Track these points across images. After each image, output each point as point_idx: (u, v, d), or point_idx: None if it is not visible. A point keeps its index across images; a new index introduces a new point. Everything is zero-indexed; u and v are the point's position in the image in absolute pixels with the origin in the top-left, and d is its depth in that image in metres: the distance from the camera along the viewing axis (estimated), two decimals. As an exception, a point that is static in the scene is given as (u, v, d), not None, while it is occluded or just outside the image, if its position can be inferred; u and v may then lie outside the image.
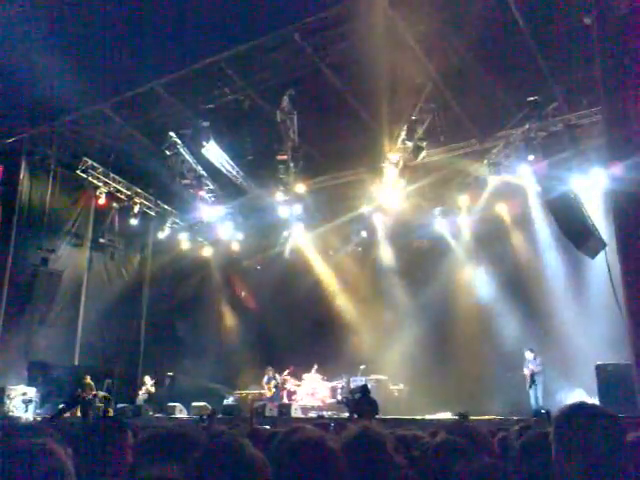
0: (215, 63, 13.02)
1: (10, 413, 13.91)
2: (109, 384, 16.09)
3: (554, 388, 13.02)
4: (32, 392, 15.02)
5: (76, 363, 17.24)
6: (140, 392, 16.58)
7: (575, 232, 11.48)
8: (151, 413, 15.00)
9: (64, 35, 12.98)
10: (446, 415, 12.09)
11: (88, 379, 15.04)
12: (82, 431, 3.16)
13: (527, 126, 12.51)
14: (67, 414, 12.90)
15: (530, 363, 13.42)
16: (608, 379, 10.10)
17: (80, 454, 2.81)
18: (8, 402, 14.54)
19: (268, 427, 7.23)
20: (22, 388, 15.01)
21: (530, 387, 13.32)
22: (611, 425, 2.00)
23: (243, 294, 19.93)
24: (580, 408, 2.07)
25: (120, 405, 15.75)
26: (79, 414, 14.11)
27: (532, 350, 13.43)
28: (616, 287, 9.57)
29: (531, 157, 12.99)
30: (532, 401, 13.27)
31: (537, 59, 11.40)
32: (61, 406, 13.44)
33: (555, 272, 14.41)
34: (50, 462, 1.93)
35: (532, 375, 13.27)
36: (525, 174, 13.71)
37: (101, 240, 18.22)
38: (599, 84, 9.48)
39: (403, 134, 13.35)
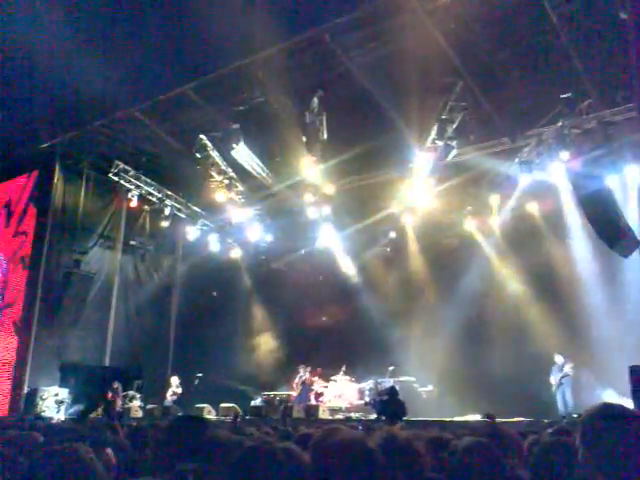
0: (245, 66, 13.14)
1: (42, 413, 14.15)
2: (139, 385, 16.26)
3: (586, 391, 12.82)
4: (64, 393, 15.25)
5: (107, 364, 17.47)
6: (167, 393, 16.70)
7: (608, 231, 11.35)
8: (180, 414, 15.11)
9: (96, 40, 13.17)
10: (475, 417, 11.99)
11: (115, 384, 15.21)
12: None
13: (560, 123, 12.33)
14: (91, 415, 13.10)
15: (558, 368, 13.31)
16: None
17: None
18: (41, 403, 14.81)
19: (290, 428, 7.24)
20: (54, 389, 15.27)
21: (556, 390, 13.25)
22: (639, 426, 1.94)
23: None
24: (607, 410, 2.02)
25: (150, 406, 15.89)
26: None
27: (562, 354, 13.33)
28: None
29: (564, 155, 12.80)
30: (559, 404, 13.13)
31: (570, 55, 11.24)
32: (83, 407, 13.66)
33: (588, 272, 14.19)
34: (79, 467, 1.98)
35: (562, 378, 13.19)
36: (558, 172, 13.51)
37: (132, 242, 18.45)
38: (633, 79, 9.35)
39: (433, 133, 13.25)
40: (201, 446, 2.81)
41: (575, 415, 11.18)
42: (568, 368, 13.13)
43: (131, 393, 15.77)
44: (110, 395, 14.81)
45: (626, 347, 12.06)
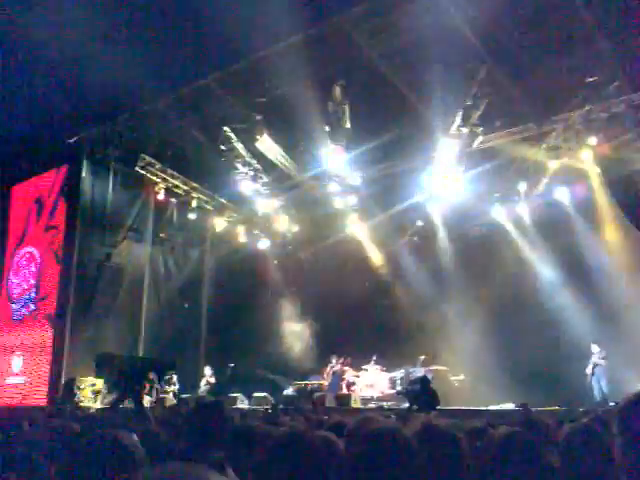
0: (266, 57, 13.11)
1: (80, 403, 14.48)
2: (172, 375, 16.49)
3: (622, 380, 12.59)
4: (100, 383, 15.56)
5: (140, 355, 17.76)
6: (201, 383, 16.91)
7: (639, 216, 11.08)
8: (200, 401, 15.25)
9: (121, 34, 13.29)
10: (509, 406, 11.89)
11: (151, 374, 15.48)
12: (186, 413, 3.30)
13: (587, 108, 12.02)
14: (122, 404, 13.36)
15: (594, 356, 13.22)
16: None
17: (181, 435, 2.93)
18: (78, 393, 15.13)
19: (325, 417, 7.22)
20: (91, 379, 15.57)
21: (591, 379, 13.22)
22: None
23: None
24: None
25: (183, 396, 16.13)
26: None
27: (598, 343, 13.26)
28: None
29: (592, 140, 12.48)
30: (595, 392, 13.03)
31: (596, 37, 10.91)
32: (115, 397, 13.91)
33: (620, 257, 13.91)
34: (122, 451, 2.01)
35: (593, 367, 13.21)
36: (586, 157, 13.22)
37: (161, 235, 18.75)
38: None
39: (458, 120, 13.03)
40: (226, 433, 2.84)
41: (611, 404, 11.01)
42: (598, 357, 13.06)
43: (166, 378, 16.00)
44: (147, 385, 15.10)
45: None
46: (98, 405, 14.71)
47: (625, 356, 12.76)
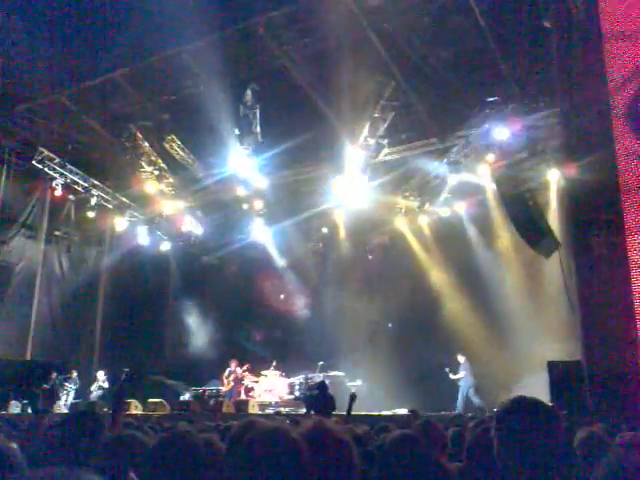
0: (177, 54, 12.89)
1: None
2: (58, 379, 15.75)
3: (503, 385, 13.26)
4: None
5: (28, 358, 16.84)
6: (92, 388, 16.28)
7: (530, 232, 11.74)
8: (105, 409, 14.73)
9: (22, 22, 12.65)
10: (402, 411, 12.26)
11: (54, 374, 14.78)
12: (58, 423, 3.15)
13: (486, 126, 12.71)
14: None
15: (459, 368, 13.92)
16: (559, 376, 10.30)
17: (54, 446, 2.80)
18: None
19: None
20: (-29, 384, 14.62)
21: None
22: (550, 419, 2.00)
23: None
24: (519, 403, 2.08)
25: (74, 401, 15.45)
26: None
27: (463, 354, 14.12)
28: (569, 286, 9.87)
29: (489, 157, 13.21)
30: (458, 403, 13.84)
31: (497, 60, 11.60)
32: None
33: (510, 268, 14.71)
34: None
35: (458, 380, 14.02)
36: (483, 174, 13.93)
37: (56, 233, 17.88)
38: (556, 86, 9.74)
39: (365, 131, 13.41)
40: (101, 442, 2.75)
41: (469, 414, 11.56)
42: (461, 369, 13.92)
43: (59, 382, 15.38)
44: (47, 387, 14.46)
45: (545, 343, 12.53)
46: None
47: (510, 362, 13.51)
